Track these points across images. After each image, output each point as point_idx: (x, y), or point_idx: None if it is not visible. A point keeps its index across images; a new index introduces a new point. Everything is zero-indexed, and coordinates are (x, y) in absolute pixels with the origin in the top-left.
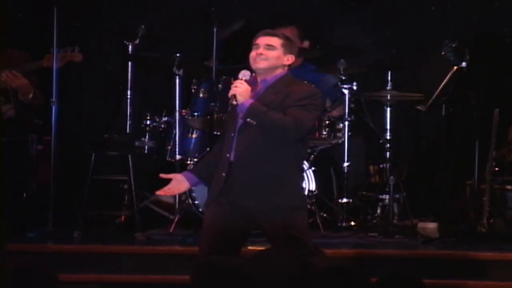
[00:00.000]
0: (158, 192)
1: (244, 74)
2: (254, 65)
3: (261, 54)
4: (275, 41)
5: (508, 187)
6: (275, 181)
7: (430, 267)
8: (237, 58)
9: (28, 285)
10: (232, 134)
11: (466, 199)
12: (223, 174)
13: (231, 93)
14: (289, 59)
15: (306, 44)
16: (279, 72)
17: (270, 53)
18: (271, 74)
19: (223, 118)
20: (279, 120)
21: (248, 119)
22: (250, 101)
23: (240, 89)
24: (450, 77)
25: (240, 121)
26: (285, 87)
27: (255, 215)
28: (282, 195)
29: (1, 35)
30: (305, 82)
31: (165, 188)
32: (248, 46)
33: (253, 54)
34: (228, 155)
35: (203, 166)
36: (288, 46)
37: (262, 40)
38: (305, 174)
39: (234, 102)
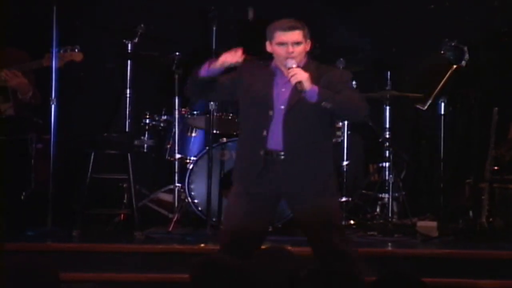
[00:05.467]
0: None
1: (293, 62)
2: (286, 63)
3: (292, 52)
4: (299, 35)
5: (508, 186)
6: (322, 169)
7: (430, 265)
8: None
9: (30, 284)
10: (274, 124)
11: (465, 198)
12: (261, 152)
13: (295, 80)
14: (309, 44)
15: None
16: (304, 60)
17: (299, 49)
18: (300, 64)
19: (222, 117)
20: (350, 100)
21: (324, 103)
22: (315, 86)
23: (305, 75)
24: (449, 76)
25: (282, 110)
26: (318, 73)
27: (295, 200)
28: (324, 178)
29: (1, 35)
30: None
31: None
32: (249, 43)
33: (282, 52)
34: (266, 143)
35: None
36: (307, 33)
37: (288, 37)
38: None
39: (302, 89)
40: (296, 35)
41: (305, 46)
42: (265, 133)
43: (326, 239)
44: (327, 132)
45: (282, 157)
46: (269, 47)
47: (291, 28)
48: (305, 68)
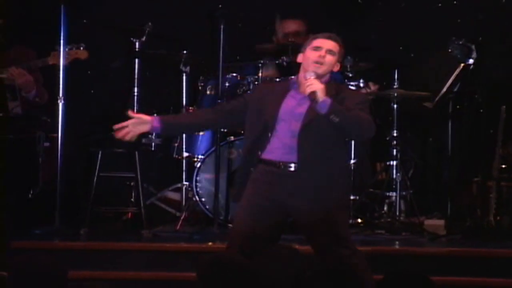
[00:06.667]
0: (117, 134)
1: (312, 74)
2: (313, 67)
3: (324, 57)
4: (336, 46)
5: None
6: (335, 182)
7: (437, 264)
8: (244, 55)
9: (38, 283)
10: (292, 138)
11: (472, 196)
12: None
13: (310, 90)
14: (338, 66)
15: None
16: (327, 77)
17: (331, 59)
18: (322, 79)
19: None
20: (358, 118)
21: (332, 116)
22: (329, 98)
23: (320, 86)
24: (457, 75)
25: (300, 123)
26: (336, 92)
27: (303, 214)
28: (337, 195)
29: (8, 33)
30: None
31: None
32: (254, 42)
33: (313, 56)
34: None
35: (174, 122)
36: (342, 53)
37: (325, 44)
38: None
39: (317, 99)
40: (333, 44)
41: (336, 62)
42: (267, 146)
43: (333, 251)
44: (342, 150)
45: (293, 170)
46: (300, 57)
47: (331, 38)
48: (327, 87)
